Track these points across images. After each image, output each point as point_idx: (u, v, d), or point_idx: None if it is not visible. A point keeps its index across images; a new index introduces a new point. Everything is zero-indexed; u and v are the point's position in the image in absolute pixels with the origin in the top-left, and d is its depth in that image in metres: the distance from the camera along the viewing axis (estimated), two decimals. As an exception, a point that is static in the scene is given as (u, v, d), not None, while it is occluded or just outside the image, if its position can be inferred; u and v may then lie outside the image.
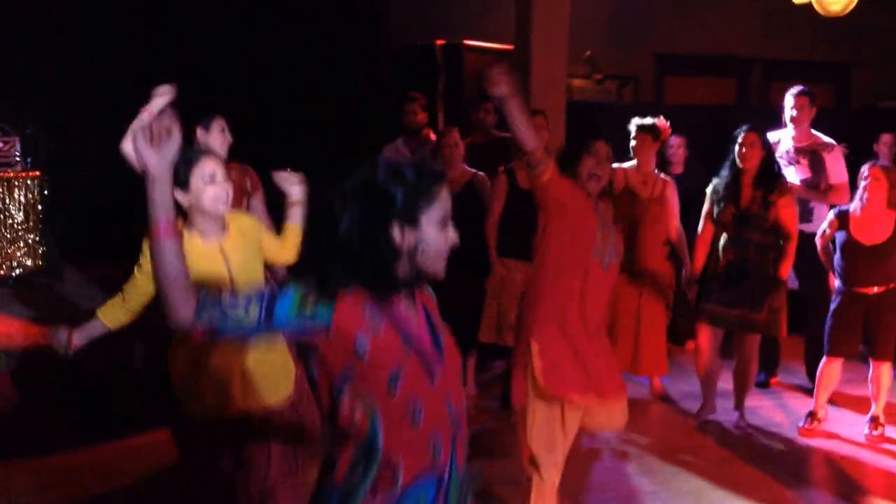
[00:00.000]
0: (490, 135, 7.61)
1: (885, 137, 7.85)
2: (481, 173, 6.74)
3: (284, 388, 3.92)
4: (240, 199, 5.18)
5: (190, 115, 5.01)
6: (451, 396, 2.48)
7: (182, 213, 3.64)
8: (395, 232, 2.35)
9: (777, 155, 6.85)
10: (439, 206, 2.40)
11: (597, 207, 4.52)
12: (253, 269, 3.85)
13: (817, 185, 6.88)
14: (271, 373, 3.85)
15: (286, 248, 4.11)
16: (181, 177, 3.52)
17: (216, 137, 5.11)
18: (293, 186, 4.27)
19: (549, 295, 4.47)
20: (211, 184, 3.62)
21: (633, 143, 6.58)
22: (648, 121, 6.57)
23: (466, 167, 6.74)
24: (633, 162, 6.64)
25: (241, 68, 8.14)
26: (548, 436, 4.47)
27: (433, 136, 7.63)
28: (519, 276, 6.32)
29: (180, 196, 3.56)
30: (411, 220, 2.36)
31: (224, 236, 3.74)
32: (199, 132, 5.10)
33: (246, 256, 3.80)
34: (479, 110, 7.70)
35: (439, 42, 9.10)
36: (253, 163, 5.49)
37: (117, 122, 4.19)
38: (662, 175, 6.75)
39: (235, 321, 2.31)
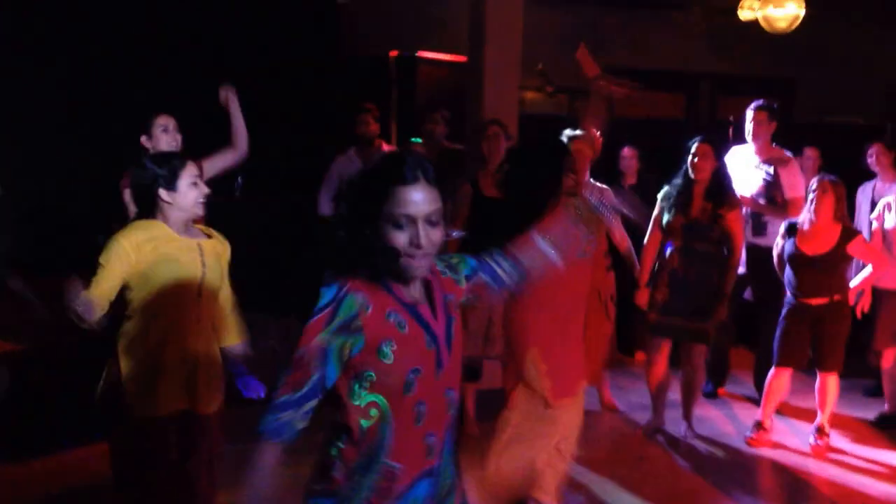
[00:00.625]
0: (440, 146, 7.66)
1: (809, 152, 7.98)
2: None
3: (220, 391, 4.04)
4: None
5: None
6: (451, 388, 2.53)
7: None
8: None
9: (744, 167, 6.97)
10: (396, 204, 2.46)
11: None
12: (218, 281, 3.97)
13: (770, 195, 6.99)
14: (215, 374, 3.98)
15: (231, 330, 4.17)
16: (170, 181, 3.79)
17: (161, 140, 4.99)
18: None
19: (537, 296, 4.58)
20: (194, 187, 3.84)
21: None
22: (581, 132, 6.58)
23: None
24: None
25: (193, 77, 8.09)
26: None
27: (386, 147, 7.66)
28: None
29: (166, 195, 3.79)
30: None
31: (200, 238, 3.93)
32: (143, 140, 5.01)
33: (214, 267, 3.93)
34: (429, 122, 7.74)
35: (393, 53, 9.12)
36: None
37: (62, 132, 4.21)
38: (597, 184, 6.76)
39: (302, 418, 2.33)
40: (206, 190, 3.91)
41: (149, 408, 3.77)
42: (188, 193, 3.83)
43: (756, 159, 7.06)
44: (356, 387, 2.39)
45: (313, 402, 2.32)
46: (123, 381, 3.78)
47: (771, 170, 6.95)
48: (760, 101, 7.07)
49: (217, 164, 5.19)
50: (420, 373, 2.40)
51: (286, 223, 8.00)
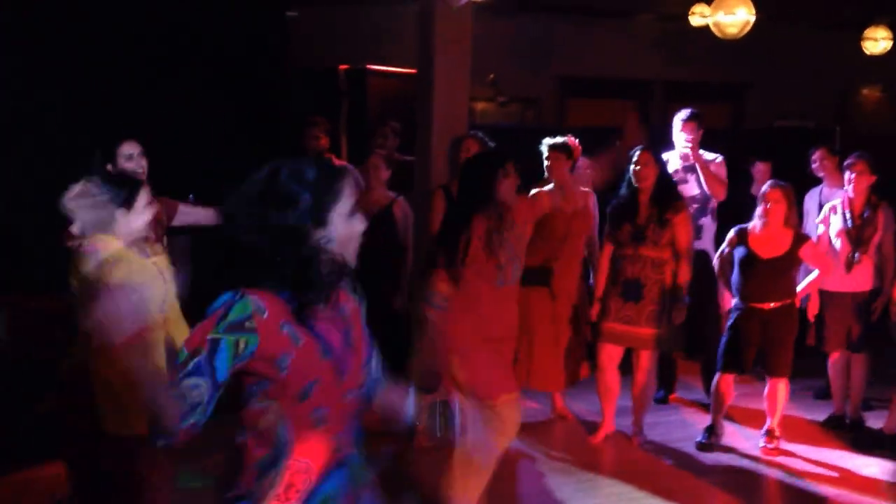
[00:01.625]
0: (392, 158, 7.66)
1: (760, 166, 8.04)
2: (401, 199, 6.77)
3: None
4: (159, 235, 4.91)
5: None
6: (354, 388, 2.55)
7: None
8: (310, 233, 2.40)
9: (672, 172, 7.04)
10: (346, 200, 2.47)
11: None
12: (172, 300, 4.09)
13: (706, 199, 7.06)
14: None
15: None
16: (127, 201, 3.91)
17: (126, 168, 4.91)
18: None
19: (463, 313, 4.81)
20: (146, 209, 3.99)
21: (546, 162, 6.61)
22: (560, 139, 6.62)
23: (388, 191, 6.76)
24: (551, 184, 6.65)
25: (139, 89, 8.06)
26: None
27: (336, 161, 7.65)
28: None
29: (122, 216, 3.89)
30: (321, 221, 2.41)
31: (151, 257, 4.04)
32: (108, 168, 4.94)
33: (170, 283, 4.06)
34: (380, 135, 7.74)
35: (343, 66, 9.12)
36: (155, 183, 5.41)
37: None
38: (582, 188, 6.81)
39: (195, 404, 2.28)
40: (152, 212, 4.04)
41: (123, 427, 3.75)
42: (141, 216, 3.97)
43: (679, 165, 7.11)
44: (255, 390, 2.41)
45: (201, 384, 2.29)
46: (98, 402, 3.76)
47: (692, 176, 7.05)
48: (689, 112, 7.10)
49: (193, 216, 5.16)
50: (318, 383, 2.42)
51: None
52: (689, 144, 6.98)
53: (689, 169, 7.08)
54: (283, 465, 2.40)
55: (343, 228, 2.45)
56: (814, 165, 7.57)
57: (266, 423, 2.40)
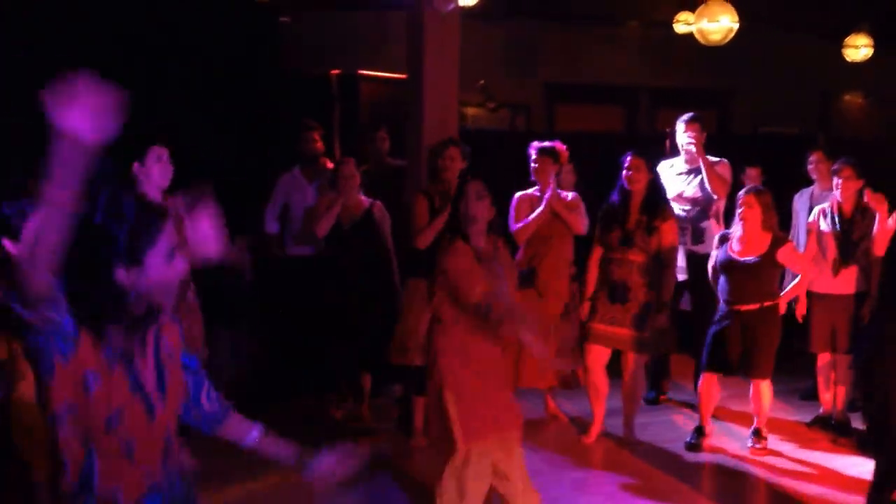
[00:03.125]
0: (384, 163, 7.72)
1: (752, 172, 8.15)
2: (378, 202, 6.81)
3: None
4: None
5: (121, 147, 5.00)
6: (169, 429, 2.54)
7: None
8: (120, 273, 2.34)
9: (674, 177, 7.14)
10: (164, 241, 2.41)
11: (481, 258, 4.70)
12: None
13: (707, 203, 7.15)
14: None
15: None
16: (14, 229, 3.69)
17: (153, 169, 5.04)
18: None
19: (453, 345, 4.68)
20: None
21: (533, 165, 6.69)
22: (548, 144, 6.72)
23: (363, 197, 6.79)
24: (536, 187, 6.76)
25: (132, 95, 8.08)
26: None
27: (330, 165, 7.70)
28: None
29: (11, 246, 3.69)
30: (135, 261, 2.35)
31: None
32: (136, 167, 5.02)
33: None
34: (372, 139, 7.80)
35: (334, 72, 9.18)
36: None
37: None
38: (570, 193, 6.88)
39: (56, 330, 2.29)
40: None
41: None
42: None
43: (686, 168, 7.22)
44: (63, 415, 2.35)
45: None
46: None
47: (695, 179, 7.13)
48: (692, 114, 7.22)
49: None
50: (124, 413, 2.40)
51: (230, 242, 7.99)
52: (693, 142, 7.07)
53: (694, 171, 7.17)
54: (91, 496, 2.38)
55: (160, 269, 2.39)
56: (809, 167, 7.68)
57: (75, 450, 2.37)
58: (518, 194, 6.76)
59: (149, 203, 2.46)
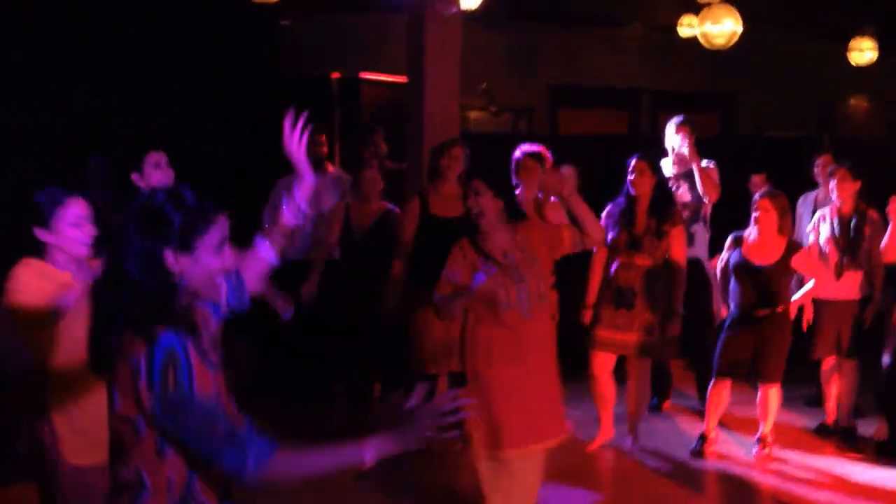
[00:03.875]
0: (383, 166, 7.67)
1: (757, 179, 8.10)
2: (396, 209, 6.74)
3: None
4: None
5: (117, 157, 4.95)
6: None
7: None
8: (169, 256, 2.35)
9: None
10: (217, 231, 2.42)
11: (489, 266, 4.63)
12: None
13: (699, 206, 7.09)
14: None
15: None
16: (45, 217, 3.61)
17: (152, 176, 4.95)
18: None
19: (477, 347, 4.72)
20: (76, 227, 3.64)
21: (519, 170, 6.56)
22: (535, 148, 6.64)
23: (383, 202, 6.73)
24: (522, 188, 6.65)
25: (136, 102, 8.06)
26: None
27: (331, 169, 7.66)
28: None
29: (42, 234, 3.62)
30: (186, 246, 2.36)
31: (90, 278, 3.68)
32: (135, 177, 4.96)
33: None
34: (372, 143, 7.73)
35: (335, 75, 9.13)
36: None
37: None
38: (552, 199, 6.81)
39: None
40: (91, 232, 3.70)
41: (81, 456, 3.68)
42: (66, 233, 3.65)
43: (674, 171, 7.15)
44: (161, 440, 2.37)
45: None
46: (56, 432, 3.66)
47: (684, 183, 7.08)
48: (682, 117, 7.16)
49: None
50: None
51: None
52: (686, 145, 7.00)
53: (683, 176, 7.11)
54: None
55: (208, 259, 2.40)
56: (816, 170, 7.61)
57: (174, 474, 2.37)
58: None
59: (208, 197, 2.46)
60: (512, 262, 4.67)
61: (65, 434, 3.66)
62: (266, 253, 3.12)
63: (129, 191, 5.00)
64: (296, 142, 3.28)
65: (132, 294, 2.33)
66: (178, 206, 2.36)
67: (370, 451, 2.42)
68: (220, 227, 2.42)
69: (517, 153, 6.60)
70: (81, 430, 3.64)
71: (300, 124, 3.31)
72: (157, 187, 2.44)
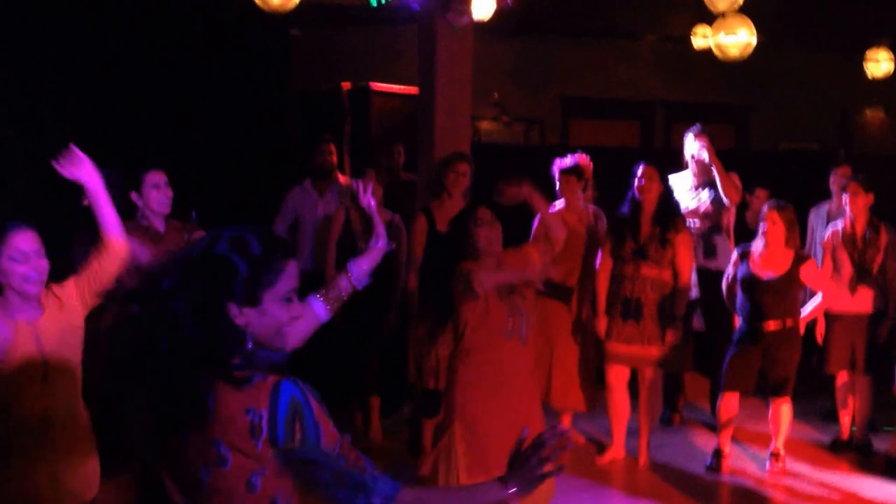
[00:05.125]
0: (398, 177, 7.65)
1: (760, 193, 8.02)
2: (397, 216, 6.71)
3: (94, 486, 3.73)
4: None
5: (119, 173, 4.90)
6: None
7: None
8: (233, 310, 2.19)
9: (684, 193, 7.01)
10: (285, 282, 2.25)
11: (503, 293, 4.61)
12: (73, 343, 3.65)
13: (718, 216, 7.02)
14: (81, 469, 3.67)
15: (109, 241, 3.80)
16: None
17: (151, 197, 4.88)
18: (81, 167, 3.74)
19: (467, 372, 4.68)
20: (21, 262, 3.44)
21: (558, 185, 6.58)
22: (569, 162, 6.60)
23: (384, 210, 6.69)
24: (563, 203, 6.61)
25: (147, 111, 8.05)
26: None
27: (342, 179, 7.64)
28: None
29: None
30: (252, 299, 2.20)
31: (39, 315, 3.54)
32: (134, 196, 4.91)
33: (64, 332, 3.60)
34: (385, 154, 7.72)
35: (346, 85, 9.12)
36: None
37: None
38: (592, 208, 6.79)
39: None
40: (39, 267, 3.48)
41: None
42: (11, 271, 3.43)
43: (695, 181, 7.09)
44: (255, 479, 2.21)
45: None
46: None
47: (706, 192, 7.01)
48: (700, 126, 7.11)
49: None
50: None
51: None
52: (705, 149, 6.94)
53: (703, 185, 7.05)
54: None
55: (275, 312, 2.24)
56: (831, 179, 7.51)
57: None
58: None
59: (276, 238, 2.29)
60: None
61: None
62: (320, 312, 3.05)
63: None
64: (372, 205, 3.31)
65: (184, 345, 2.15)
66: (244, 254, 2.18)
67: (509, 492, 2.33)
68: (288, 277, 2.25)
69: (554, 170, 6.56)
70: None
71: (369, 186, 3.35)
72: (218, 230, 2.22)
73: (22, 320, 3.49)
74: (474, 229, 4.71)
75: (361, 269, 3.13)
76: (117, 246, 3.79)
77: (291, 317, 2.28)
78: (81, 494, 3.63)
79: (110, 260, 3.77)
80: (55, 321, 3.57)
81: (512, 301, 4.69)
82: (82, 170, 3.70)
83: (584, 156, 6.67)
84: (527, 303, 4.78)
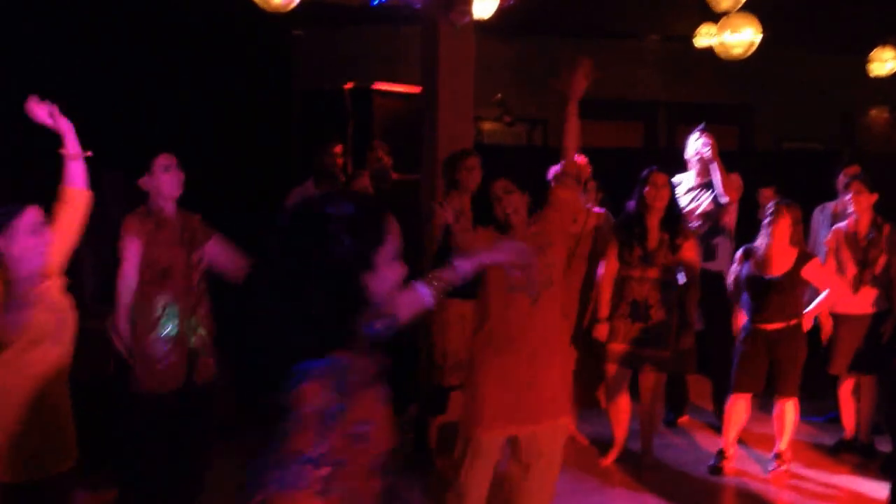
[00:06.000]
0: (388, 178, 7.62)
1: (766, 192, 7.99)
2: (389, 214, 6.65)
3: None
4: (185, 256, 4.91)
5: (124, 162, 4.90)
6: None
7: None
8: (365, 277, 2.12)
9: (683, 194, 6.98)
10: (392, 240, 2.19)
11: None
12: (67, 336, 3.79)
13: (718, 217, 6.99)
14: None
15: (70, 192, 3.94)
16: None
17: (162, 179, 4.85)
18: (59, 122, 3.99)
19: (480, 334, 4.62)
20: (32, 235, 3.57)
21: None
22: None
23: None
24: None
25: (148, 112, 8.04)
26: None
27: (342, 179, 7.61)
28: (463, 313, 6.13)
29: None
30: (366, 264, 2.12)
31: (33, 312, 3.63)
32: (145, 181, 4.87)
33: (60, 322, 3.72)
34: (375, 159, 7.67)
35: (348, 86, 9.10)
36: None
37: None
38: (593, 208, 6.76)
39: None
40: (47, 241, 3.63)
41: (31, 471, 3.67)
42: (24, 244, 3.58)
43: (696, 182, 7.06)
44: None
45: None
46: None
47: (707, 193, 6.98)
48: (703, 126, 7.08)
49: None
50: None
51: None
52: (709, 145, 6.91)
53: (706, 186, 7.01)
54: None
55: (389, 271, 2.17)
56: (839, 179, 7.47)
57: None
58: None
59: (371, 199, 2.30)
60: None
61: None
62: (425, 296, 3.03)
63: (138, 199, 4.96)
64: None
65: (311, 324, 2.06)
66: (349, 226, 2.09)
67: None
68: (393, 234, 2.19)
69: (549, 174, 6.54)
70: None
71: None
72: (309, 198, 2.17)
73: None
74: (493, 204, 4.65)
75: (464, 268, 3.14)
76: (80, 195, 3.96)
77: (401, 275, 2.22)
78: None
79: (74, 210, 3.92)
80: (49, 312, 3.66)
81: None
82: (56, 117, 3.95)
83: (581, 156, 6.63)
84: (545, 257, 4.62)
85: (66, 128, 3.98)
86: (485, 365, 4.56)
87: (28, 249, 3.56)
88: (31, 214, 3.60)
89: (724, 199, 6.90)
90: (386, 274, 2.16)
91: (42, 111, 3.95)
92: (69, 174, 3.95)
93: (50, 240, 3.63)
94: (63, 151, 3.95)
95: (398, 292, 2.24)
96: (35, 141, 4.20)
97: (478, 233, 4.68)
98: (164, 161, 4.88)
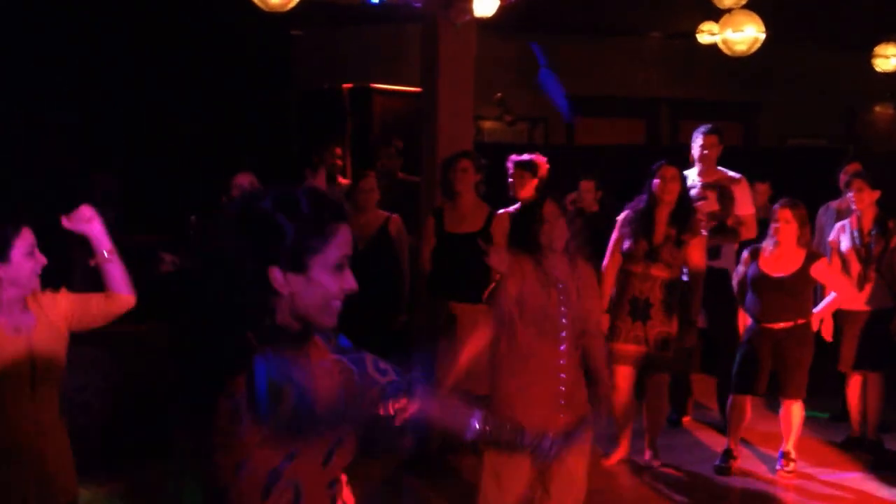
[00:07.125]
0: (395, 178, 7.58)
1: (760, 187, 7.94)
2: (396, 216, 6.61)
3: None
4: None
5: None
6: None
7: None
8: (276, 275, 1.96)
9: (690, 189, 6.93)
10: (336, 248, 2.02)
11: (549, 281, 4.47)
12: (58, 350, 3.54)
13: (724, 218, 6.93)
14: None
15: (115, 297, 3.67)
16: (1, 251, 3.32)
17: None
18: (89, 224, 3.60)
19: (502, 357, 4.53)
20: (31, 258, 3.38)
21: (510, 180, 6.54)
22: (526, 157, 6.56)
23: (380, 211, 6.61)
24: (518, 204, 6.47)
25: (147, 112, 8.01)
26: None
27: (343, 181, 7.57)
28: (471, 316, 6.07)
29: None
30: (298, 264, 1.97)
31: (30, 316, 3.46)
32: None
33: (51, 338, 3.51)
34: (384, 156, 7.64)
35: (347, 86, 9.06)
36: (159, 208, 5.30)
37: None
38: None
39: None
40: (42, 262, 3.41)
41: None
42: (22, 266, 3.36)
43: (698, 182, 7.00)
44: (281, 467, 2.03)
45: None
46: None
47: (711, 193, 6.92)
48: (710, 126, 7.02)
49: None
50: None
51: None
52: (707, 152, 6.86)
53: (708, 186, 6.95)
54: None
55: (324, 281, 2.02)
56: (841, 177, 7.42)
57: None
58: (500, 211, 6.42)
59: (329, 200, 2.07)
60: (567, 288, 4.49)
61: None
62: (471, 428, 2.88)
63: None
64: None
65: (225, 318, 1.96)
66: (291, 214, 1.97)
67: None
68: (340, 243, 2.03)
69: (508, 164, 6.52)
70: None
71: None
72: (258, 188, 2.05)
73: (16, 326, 3.42)
74: (536, 226, 4.50)
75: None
76: (123, 301, 3.68)
77: (343, 288, 2.06)
78: (63, 500, 3.60)
79: (110, 309, 3.66)
80: (47, 329, 3.49)
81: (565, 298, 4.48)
82: (91, 226, 3.59)
83: (541, 157, 6.59)
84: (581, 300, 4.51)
85: (97, 233, 3.60)
86: (505, 389, 4.49)
87: (22, 273, 3.37)
88: (28, 236, 3.38)
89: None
90: (322, 282, 2.02)
91: (79, 224, 3.59)
92: (110, 279, 3.63)
93: (43, 262, 3.43)
94: (93, 262, 3.65)
95: (337, 302, 2.08)
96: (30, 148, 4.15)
97: (513, 256, 4.49)
98: (241, 181, 5.07)
